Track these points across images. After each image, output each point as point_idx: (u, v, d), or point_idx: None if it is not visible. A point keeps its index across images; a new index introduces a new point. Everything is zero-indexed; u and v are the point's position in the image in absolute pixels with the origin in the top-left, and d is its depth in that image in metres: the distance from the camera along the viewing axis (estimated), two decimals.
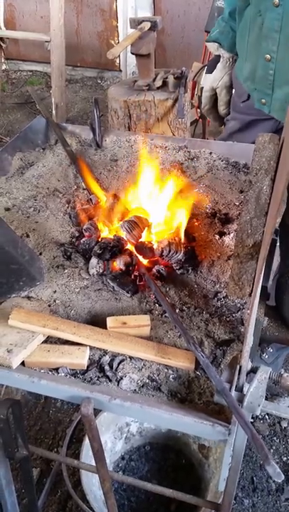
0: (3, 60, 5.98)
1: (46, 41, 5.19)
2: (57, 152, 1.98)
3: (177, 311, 1.33)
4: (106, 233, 1.55)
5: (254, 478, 2.27)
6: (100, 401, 1.09)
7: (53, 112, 5.45)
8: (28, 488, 1.59)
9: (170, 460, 2.24)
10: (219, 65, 2.17)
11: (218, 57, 2.18)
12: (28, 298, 1.37)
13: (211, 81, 2.21)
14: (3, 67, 6.15)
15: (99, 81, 6.33)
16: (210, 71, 2.23)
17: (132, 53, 3.38)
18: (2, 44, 5.50)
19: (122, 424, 2.21)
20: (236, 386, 1.06)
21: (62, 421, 2.50)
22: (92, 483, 1.94)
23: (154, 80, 3.52)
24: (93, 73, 6.39)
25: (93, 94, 6.07)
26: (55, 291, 1.39)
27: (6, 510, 1.60)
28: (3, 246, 1.39)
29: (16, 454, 1.38)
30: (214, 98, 2.28)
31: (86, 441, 2.03)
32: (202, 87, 2.30)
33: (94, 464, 1.87)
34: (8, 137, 5.20)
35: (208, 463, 2.08)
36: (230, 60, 2.14)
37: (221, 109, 2.27)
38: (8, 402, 1.27)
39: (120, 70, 6.14)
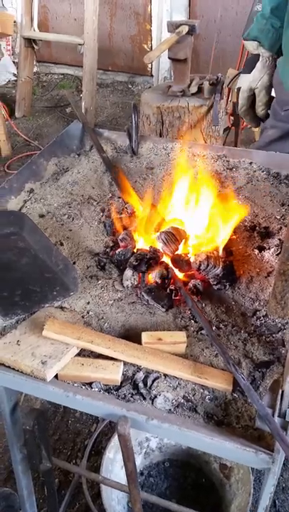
0: (34, 63, 6.02)
1: (79, 44, 5.20)
2: (92, 158, 1.95)
3: (214, 328, 1.28)
4: (141, 244, 1.51)
5: (276, 501, 2.21)
6: (136, 420, 1.05)
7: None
8: (50, 501, 1.56)
9: (190, 478, 2.18)
10: (258, 65, 2.11)
11: (255, 57, 2.12)
12: (62, 308, 1.34)
13: (250, 81, 2.15)
14: (35, 69, 6.19)
15: (130, 86, 6.32)
16: (247, 71, 2.17)
17: (169, 58, 3.36)
18: (35, 46, 5.52)
19: (141, 438, 2.17)
20: (279, 412, 1.01)
21: (82, 432, 2.46)
22: (111, 498, 1.91)
23: (189, 85, 3.50)
24: (124, 78, 6.38)
25: (124, 99, 6.06)
26: (88, 303, 1.35)
27: None
28: (38, 254, 1.36)
29: (40, 466, 1.35)
30: (252, 99, 2.21)
31: (106, 455, 1.99)
32: (239, 88, 2.23)
33: (114, 479, 1.85)
34: (36, 141, 5.22)
35: (229, 483, 2.02)
36: (270, 59, 2.09)
37: (260, 110, 2.21)
38: (34, 412, 1.24)
39: (152, 75, 6.12)
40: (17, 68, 6.02)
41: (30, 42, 5.42)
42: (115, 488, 1.77)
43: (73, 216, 1.67)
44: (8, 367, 1.16)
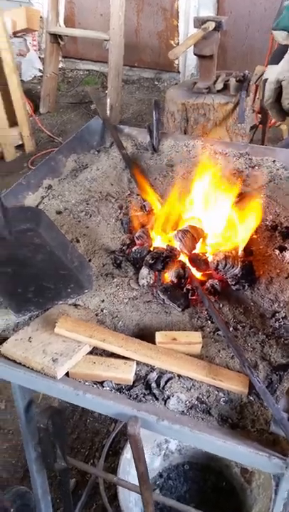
0: (60, 58, 6.03)
1: (105, 40, 5.18)
2: (112, 155, 1.93)
3: (231, 329, 1.25)
4: (158, 242, 1.49)
5: None
6: (146, 421, 1.03)
7: (107, 113, 5.43)
8: (65, 501, 1.55)
9: (210, 481, 2.15)
10: (287, 56, 2.05)
11: (284, 48, 2.06)
12: (75, 306, 1.32)
13: (277, 72, 2.07)
14: (60, 65, 6.20)
15: (156, 82, 6.29)
16: (274, 62, 2.11)
17: (195, 54, 3.32)
18: (60, 42, 5.53)
19: (160, 440, 2.15)
20: None
21: (100, 431, 2.45)
22: (128, 500, 1.89)
23: (215, 82, 3.45)
24: (150, 74, 6.35)
25: (150, 95, 6.02)
26: (102, 301, 1.34)
27: None
28: (53, 250, 1.35)
29: (55, 465, 1.34)
30: (279, 91, 2.14)
31: (124, 456, 1.98)
32: (265, 79, 2.17)
33: (131, 480, 1.83)
34: (60, 137, 5.22)
35: (250, 488, 1.98)
36: None
37: (286, 103, 2.13)
38: (49, 410, 1.23)
39: (178, 72, 6.08)
40: (43, 64, 6.05)
41: (56, 37, 5.43)
42: (131, 490, 1.75)
43: (91, 213, 1.65)
44: (20, 364, 1.15)
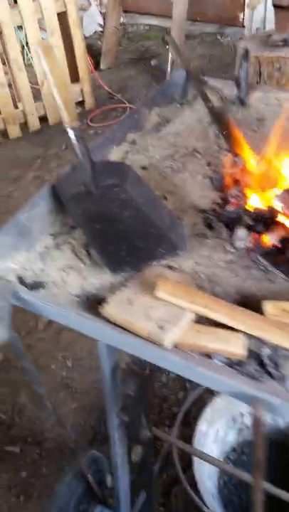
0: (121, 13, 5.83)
1: None
2: (196, 108, 1.81)
3: None
4: (256, 202, 1.37)
5: None
6: (268, 403, 0.93)
7: (169, 68, 5.26)
8: (146, 472, 1.50)
9: (285, 460, 2.05)
10: None
11: None
12: (170, 267, 1.23)
13: None
14: (121, 20, 6.00)
15: (218, 37, 6.02)
16: None
17: (273, 5, 3.11)
18: None
19: (235, 413, 2.07)
20: None
21: (168, 398, 2.40)
22: (202, 472, 1.83)
23: None
24: (213, 29, 6.07)
25: (212, 51, 5.78)
26: (197, 263, 1.24)
27: (118, 496, 1.53)
28: (140, 207, 1.26)
29: (140, 435, 1.28)
30: None
31: (198, 427, 1.91)
32: None
33: (205, 450, 1.76)
34: (119, 94, 5.09)
35: None
36: None
37: None
38: (137, 377, 1.16)
39: (243, 26, 5.79)
40: (103, 19, 5.87)
41: None
42: (210, 463, 1.68)
43: (176, 169, 1.54)
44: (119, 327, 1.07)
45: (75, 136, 1.40)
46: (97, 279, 1.23)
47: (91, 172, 1.29)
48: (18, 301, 1.18)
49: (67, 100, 1.52)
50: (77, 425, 2.37)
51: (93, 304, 1.15)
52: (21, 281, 1.23)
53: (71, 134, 1.40)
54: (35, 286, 1.23)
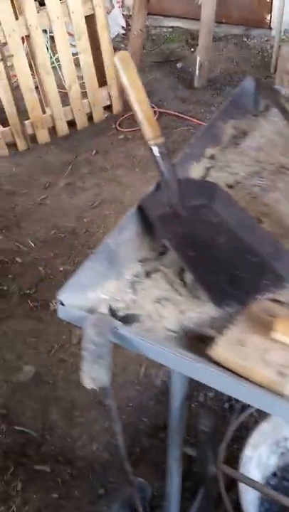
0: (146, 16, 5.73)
1: None
2: (272, 120, 1.71)
3: None
4: None
5: None
6: None
7: (196, 71, 5.17)
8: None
9: None
10: None
11: None
12: (277, 301, 1.13)
13: None
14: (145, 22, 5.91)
15: (245, 39, 5.91)
16: None
17: None
18: None
19: (279, 437, 1.97)
20: None
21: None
22: (246, 499, 1.74)
23: None
24: (239, 31, 5.97)
25: (238, 53, 5.68)
26: None
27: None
28: (236, 231, 1.17)
29: (207, 470, 1.19)
30: None
31: (244, 452, 1.83)
32: None
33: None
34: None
35: None
36: None
37: None
38: (213, 412, 1.07)
39: (270, 28, 5.68)
40: (126, 21, 5.78)
41: None
42: (256, 489, 1.59)
43: (266, 188, 1.44)
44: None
45: (160, 152, 1.31)
46: (196, 312, 1.12)
47: (177, 191, 1.20)
48: (114, 337, 1.08)
49: (150, 115, 1.43)
50: (110, 445, 2.30)
51: (193, 341, 1.06)
52: (113, 313, 1.13)
53: (155, 151, 1.32)
54: (128, 319, 1.13)
